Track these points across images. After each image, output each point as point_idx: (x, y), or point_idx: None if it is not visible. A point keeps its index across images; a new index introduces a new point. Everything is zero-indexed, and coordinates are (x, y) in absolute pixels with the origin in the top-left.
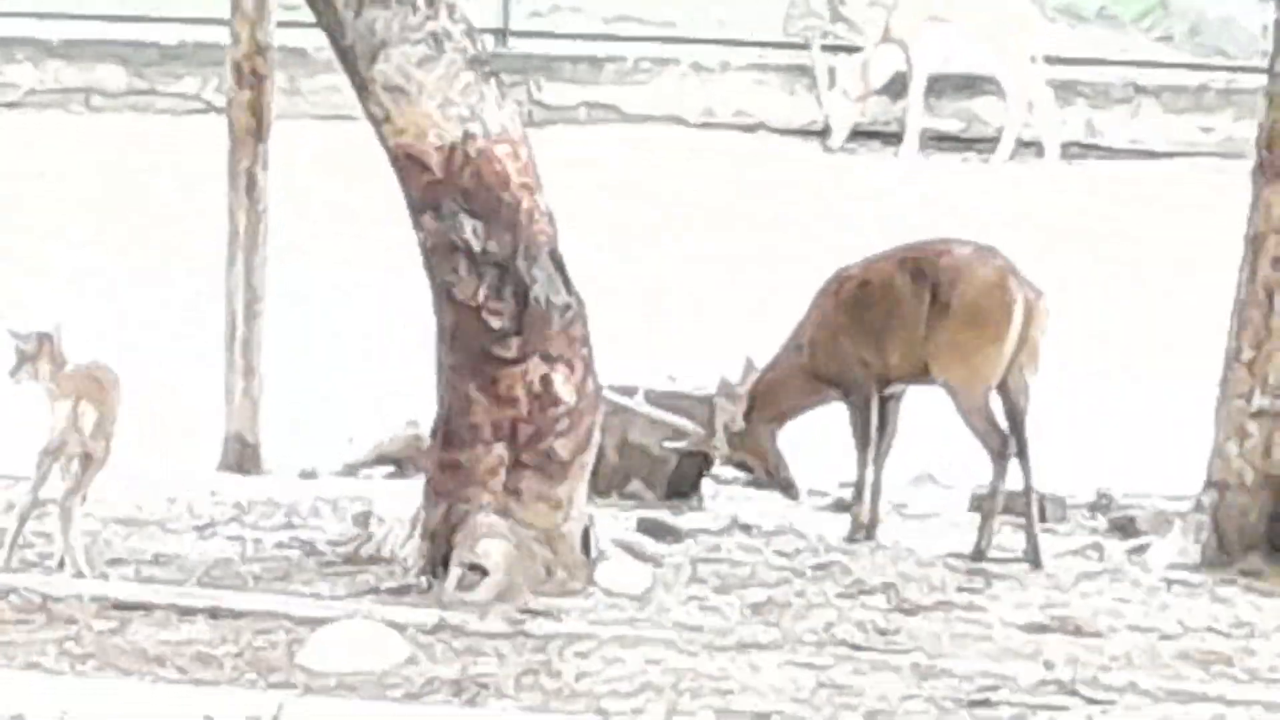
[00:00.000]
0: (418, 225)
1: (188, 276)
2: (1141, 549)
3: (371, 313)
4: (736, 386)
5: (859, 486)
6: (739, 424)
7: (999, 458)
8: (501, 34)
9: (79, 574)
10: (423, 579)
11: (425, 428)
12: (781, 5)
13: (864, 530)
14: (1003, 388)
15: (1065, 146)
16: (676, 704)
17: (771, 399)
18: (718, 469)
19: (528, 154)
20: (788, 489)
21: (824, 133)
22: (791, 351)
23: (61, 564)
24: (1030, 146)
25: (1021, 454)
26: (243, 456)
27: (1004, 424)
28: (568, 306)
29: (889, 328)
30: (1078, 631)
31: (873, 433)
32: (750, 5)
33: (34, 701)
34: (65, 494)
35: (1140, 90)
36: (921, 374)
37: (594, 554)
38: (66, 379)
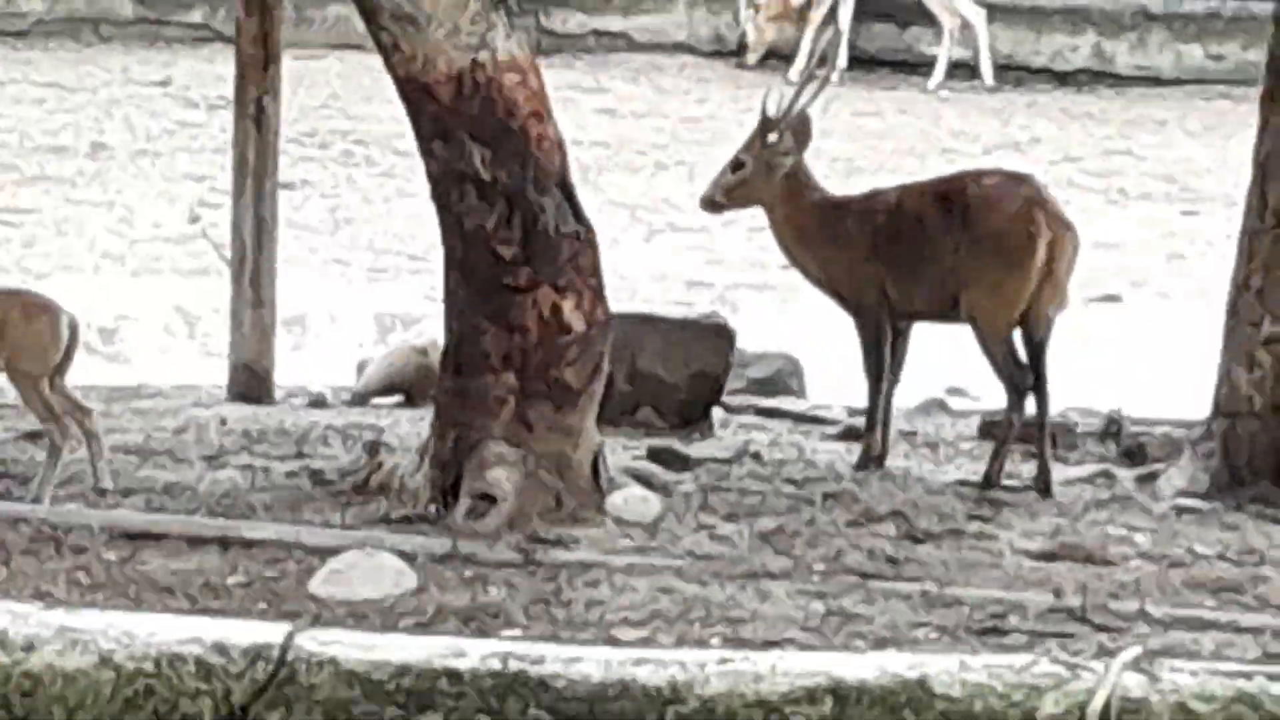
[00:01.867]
0: (426, 154)
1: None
2: (1151, 476)
3: (379, 239)
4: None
5: (870, 415)
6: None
7: (1016, 390)
8: None
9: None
10: (432, 508)
11: (434, 356)
12: None
13: (875, 459)
14: (1024, 320)
15: (1075, 73)
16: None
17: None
18: (728, 398)
19: (537, 82)
20: None
21: (738, 51)
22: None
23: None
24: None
25: (1039, 387)
26: (251, 385)
27: (1023, 355)
28: (577, 235)
29: (917, 260)
30: (1088, 559)
31: (886, 363)
32: None
33: (43, 629)
34: None
35: (1149, 17)
36: (946, 309)
37: (604, 483)
38: None
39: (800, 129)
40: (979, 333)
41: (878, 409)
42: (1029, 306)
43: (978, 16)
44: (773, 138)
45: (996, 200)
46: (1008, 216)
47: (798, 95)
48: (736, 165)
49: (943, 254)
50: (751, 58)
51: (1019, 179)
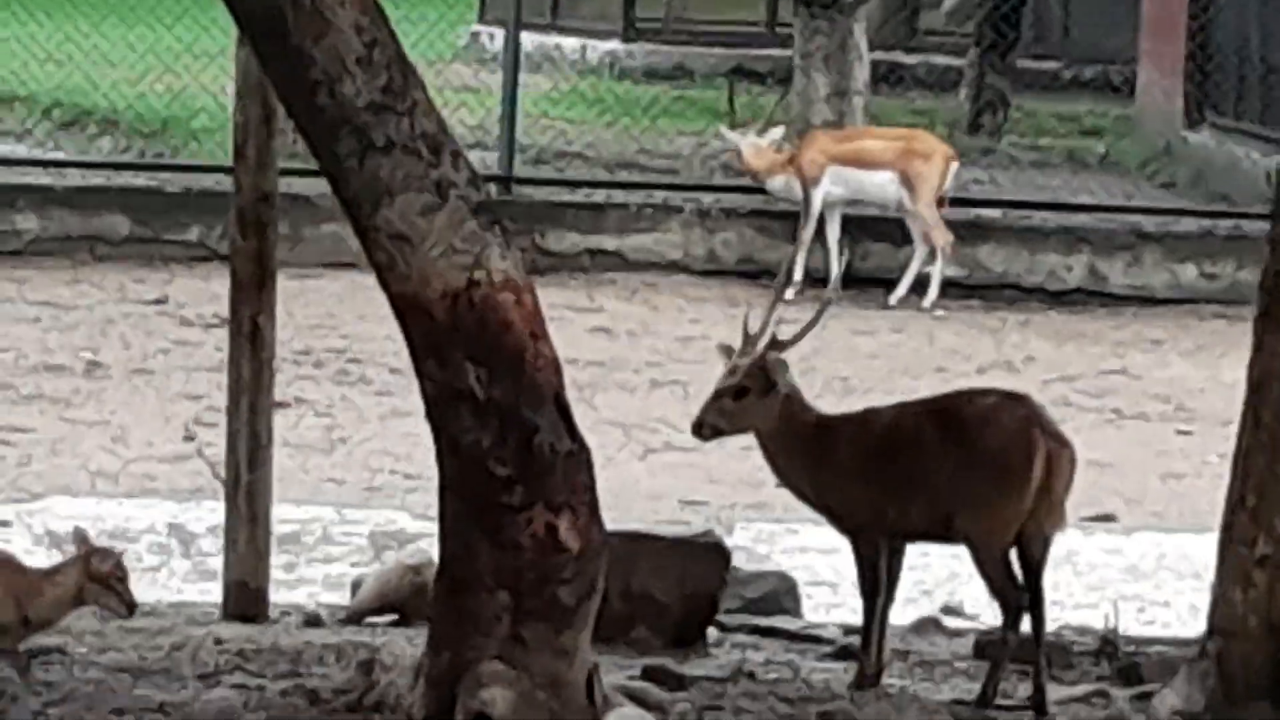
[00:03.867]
0: (420, 373)
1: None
2: (1146, 696)
3: (374, 458)
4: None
5: (865, 634)
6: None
7: (1011, 610)
8: (506, 181)
9: None
10: None
11: (428, 574)
12: None
13: (871, 679)
14: (1019, 539)
15: (1069, 292)
16: None
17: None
18: (723, 617)
19: (532, 300)
20: None
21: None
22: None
23: None
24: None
25: (1035, 606)
26: (246, 604)
27: (1019, 575)
28: (572, 453)
29: (913, 479)
30: None
31: (881, 582)
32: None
33: None
34: None
35: (1143, 237)
36: (940, 528)
37: (599, 702)
38: None
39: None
40: (974, 553)
41: (873, 628)
42: (1025, 526)
43: (946, 239)
44: (772, 358)
45: (993, 419)
46: (1005, 435)
47: (814, 321)
48: (740, 391)
49: (939, 473)
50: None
51: (1016, 398)
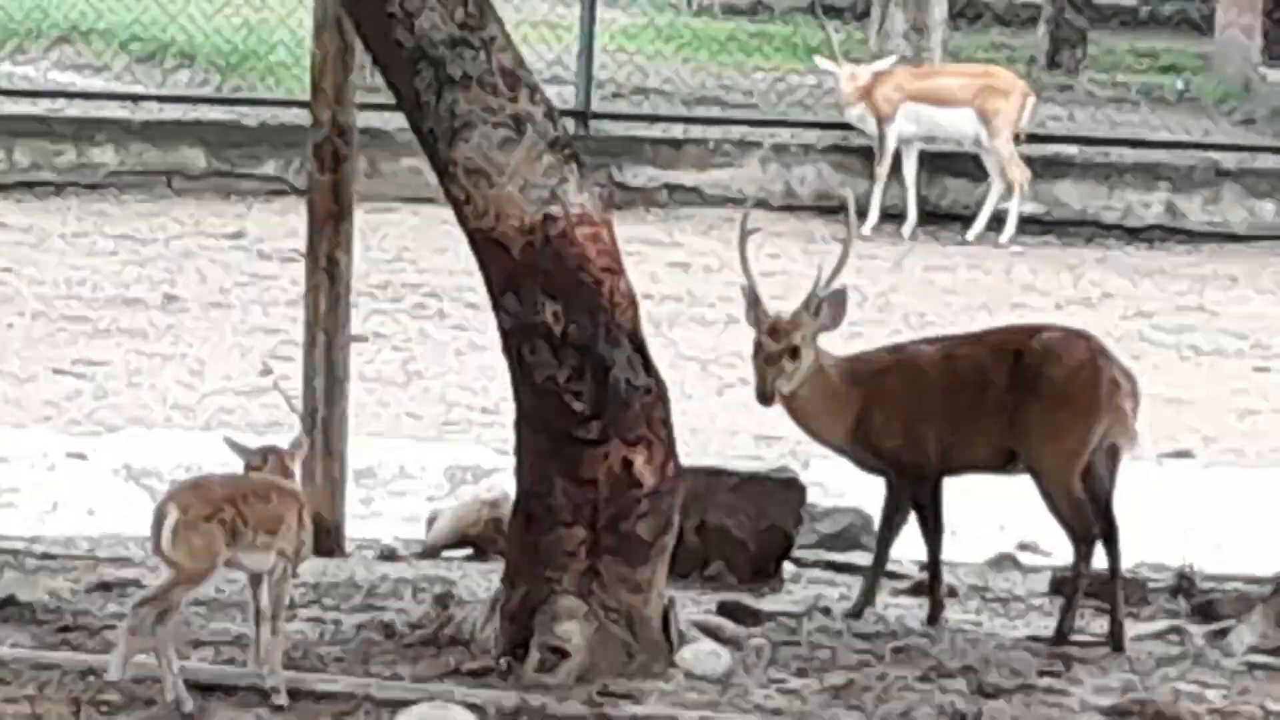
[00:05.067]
0: (498, 307)
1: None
2: (1223, 633)
3: (451, 393)
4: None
5: (935, 569)
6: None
7: (1084, 542)
8: (583, 116)
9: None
10: (503, 661)
11: (504, 509)
12: None
13: (938, 612)
14: (1087, 472)
15: (1147, 229)
16: None
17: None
18: (798, 552)
19: (609, 236)
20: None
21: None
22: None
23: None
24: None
25: (1109, 539)
26: (322, 537)
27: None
28: (648, 389)
29: (975, 412)
30: (1159, 716)
31: (943, 518)
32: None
33: None
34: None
35: (1221, 173)
36: (1003, 460)
37: (674, 636)
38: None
39: (837, 303)
40: (1042, 485)
41: (939, 562)
42: (1092, 458)
43: (1024, 176)
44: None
45: (1059, 350)
46: (1071, 366)
47: (836, 269)
48: (794, 352)
49: (1003, 406)
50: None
51: (1078, 332)
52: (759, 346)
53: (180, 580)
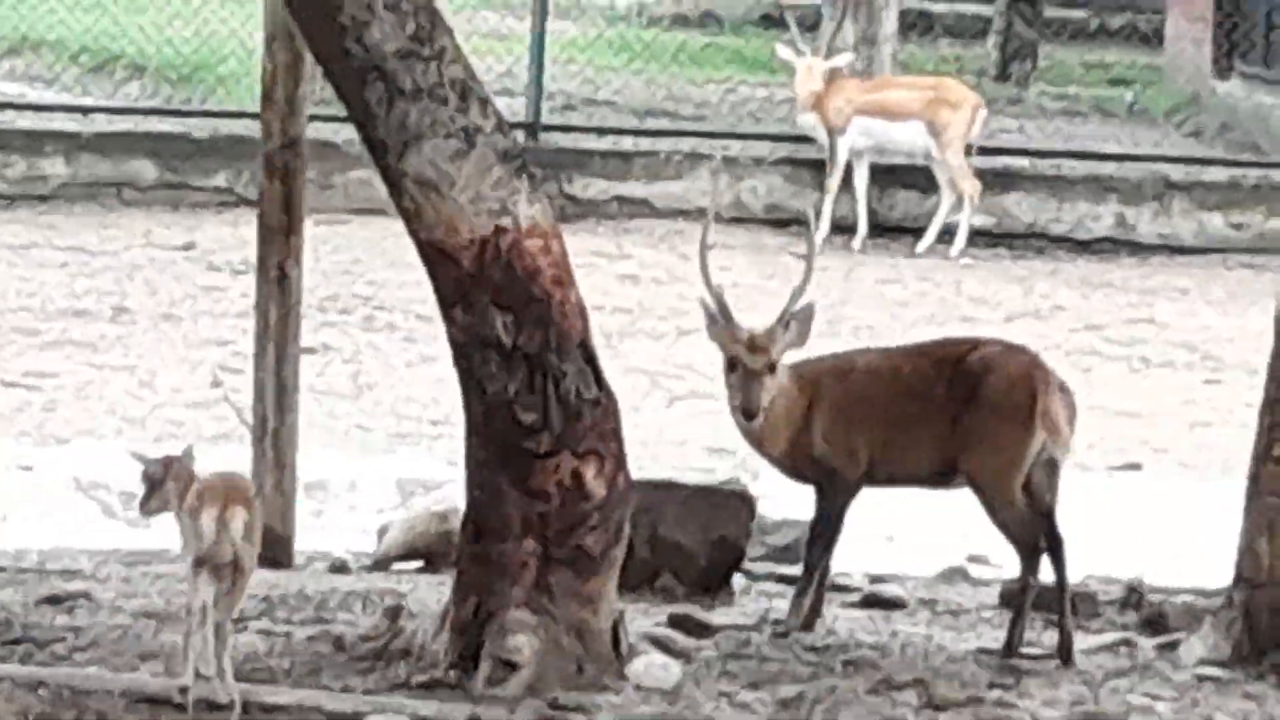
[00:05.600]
0: (448, 319)
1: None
2: (1173, 645)
3: (401, 405)
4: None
5: (822, 579)
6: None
7: (1030, 554)
8: (533, 128)
9: (230, 701)
10: (453, 674)
11: (455, 521)
12: None
13: (810, 621)
14: (1028, 485)
15: (1097, 241)
16: None
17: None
18: (748, 564)
19: (559, 248)
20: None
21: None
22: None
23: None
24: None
25: (1054, 552)
26: (273, 550)
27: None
28: (599, 401)
29: (913, 423)
30: None
31: (842, 529)
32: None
33: None
34: (221, 608)
35: (1171, 186)
36: (939, 474)
37: (624, 649)
38: (209, 488)
39: (805, 319)
40: (984, 497)
41: (828, 572)
42: (1031, 469)
43: (974, 188)
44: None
45: (998, 364)
46: (1010, 378)
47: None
48: (773, 366)
49: (943, 418)
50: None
51: (1017, 347)
52: (737, 362)
53: (249, 576)
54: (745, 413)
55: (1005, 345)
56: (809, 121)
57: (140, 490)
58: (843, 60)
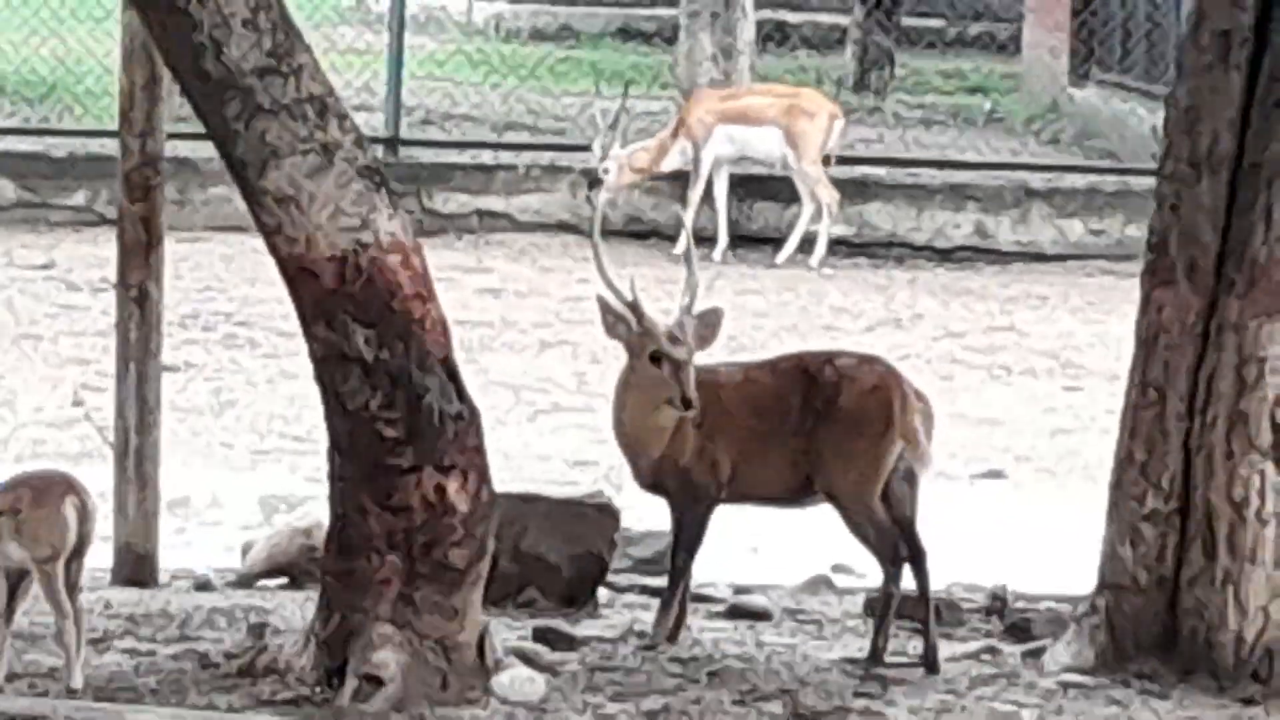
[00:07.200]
0: (309, 335)
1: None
2: (1037, 652)
3: (263, 421)
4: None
5: (685, 592)
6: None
7: (892, 564)
8: (392, 143)
9: None
10: (318, 690)
11: (318, 537)
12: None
13: (674, 634)
14: (887, 495)
15: (957, 250)
16: None
17: None
18: (613, 577)
19: (420, 263)
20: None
21: (590, 184)
22: None
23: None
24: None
25: (916, 561)
26: (136, 568)
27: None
28: (461, 415)
29: (769, 438)
30: None
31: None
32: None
33: None
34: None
35: (1030, 193)
36: (797, 489)
37: (490, 663)
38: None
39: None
40: (842, 510)
41: (689, 582)
42: (889, 480)
43: (833, 197)
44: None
45: (853, 376)
46: (865, 390)
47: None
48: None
49: (799, 432)
50: (603, 198)
51: (872, 358)
52: (662, 356)
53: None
54: (685, 403)
55: (859, 357)
56: (676, 151)
57: None
58: (639, 145)
